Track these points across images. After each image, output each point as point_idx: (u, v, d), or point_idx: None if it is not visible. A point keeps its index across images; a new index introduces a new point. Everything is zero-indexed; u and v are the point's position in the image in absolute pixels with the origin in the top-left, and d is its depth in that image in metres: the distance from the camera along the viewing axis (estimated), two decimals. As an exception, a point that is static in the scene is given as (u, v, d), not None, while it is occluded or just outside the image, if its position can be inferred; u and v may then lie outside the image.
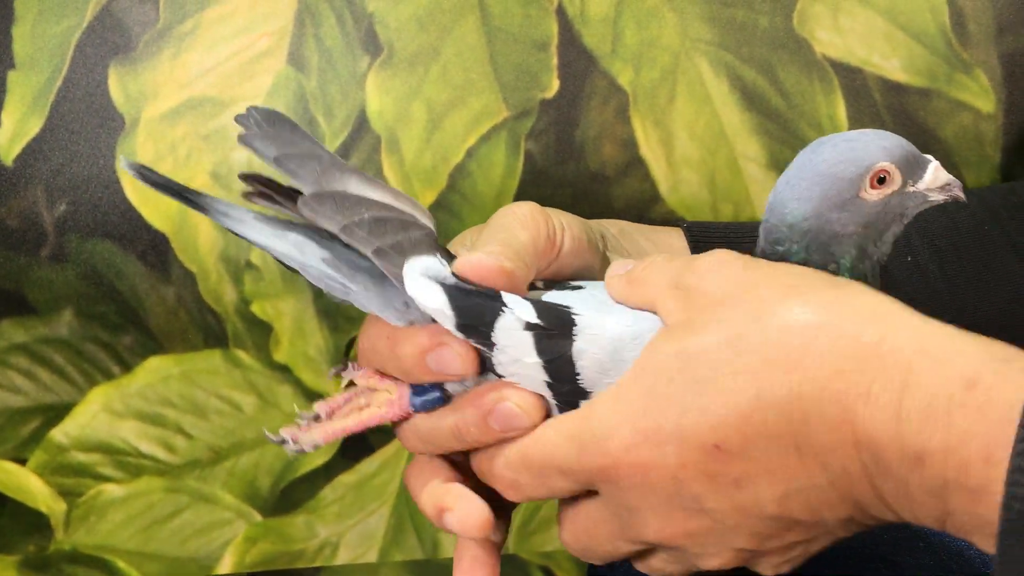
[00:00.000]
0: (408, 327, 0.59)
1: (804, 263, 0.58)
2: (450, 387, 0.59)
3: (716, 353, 0.52)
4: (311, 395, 0.97)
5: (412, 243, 0.57)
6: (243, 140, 0.56)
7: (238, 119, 0.57)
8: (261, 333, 0.95)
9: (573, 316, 0.57)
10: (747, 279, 0.54)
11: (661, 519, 0.54)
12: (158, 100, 0.92)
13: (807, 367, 0.51)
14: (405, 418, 0.60)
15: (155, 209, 0.93)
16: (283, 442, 0.59)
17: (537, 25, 0.94)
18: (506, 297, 0.58)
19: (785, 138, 0.95)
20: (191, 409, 0.96)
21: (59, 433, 0.96)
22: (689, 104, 0.95)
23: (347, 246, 0.58)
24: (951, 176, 0.59)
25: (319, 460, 0.98)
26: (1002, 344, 0.50)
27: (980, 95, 0.96)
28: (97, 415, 0.96)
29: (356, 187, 0.57)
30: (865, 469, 0.50)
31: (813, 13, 0.94)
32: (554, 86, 0.94)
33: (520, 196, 0.94)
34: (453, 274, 0.58)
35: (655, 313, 0.57)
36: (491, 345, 0.58)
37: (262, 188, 0.57)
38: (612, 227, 0.69)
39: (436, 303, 0.57)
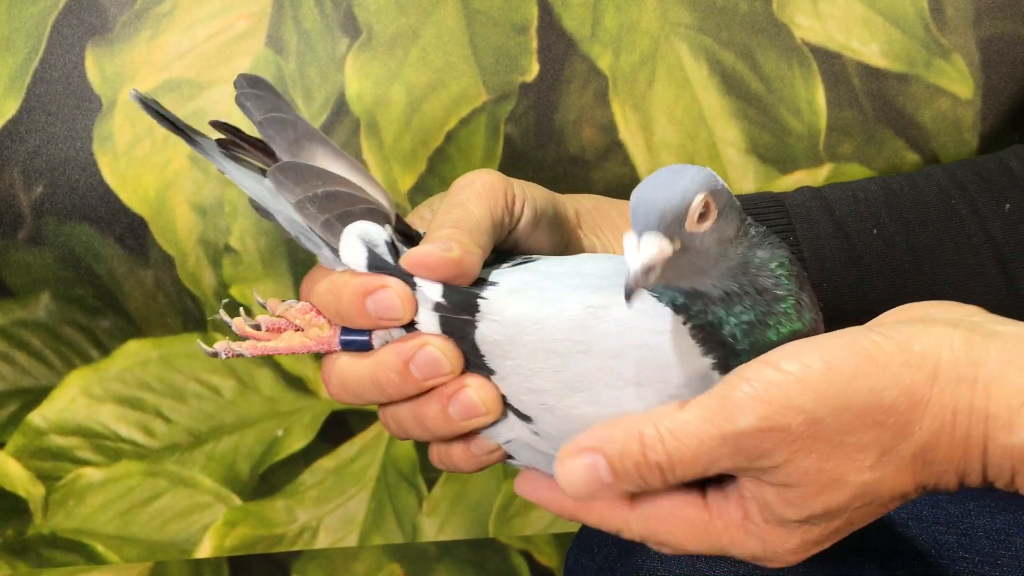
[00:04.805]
0: (350, 271, 0.60)
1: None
2: (376, 340, 0.60)
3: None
4: (290, 378, 0.96)
5: (358, 213, 0.59)
6: (238, 100, 0.60)
7: (235, 83, 0.61)
8: (240, 317, 0.95)
9: (478, 300, 0.58)
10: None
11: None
12: (135, 82, 0.92)
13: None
14: (328, 352, 0.61)
15: (133, 192, 0.93)
16: (215, 354, 0.61)
17: (517, 8, 0.93)
18: None
19: (764, 123, 0.96)
20: (170, 393, 0.96)
21: (37, 417, 0.95)
22: (668, 88, 0.95)
23: None
24: (639, 260, 0.51)
25: (299, 444, 0.98)
26: None
27: (958, 80, 0.96)
28: (75, 399, 0.95)
29: (321, 158, 0.60)
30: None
31: (792, -2, 0.95)
32: (534, 69, 0.94)
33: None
34: (395, 254, 0.59)
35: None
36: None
37: (232, 136, 0.61)
38: (587, 202, 0.69)
39: (357, 263, 0.59)
